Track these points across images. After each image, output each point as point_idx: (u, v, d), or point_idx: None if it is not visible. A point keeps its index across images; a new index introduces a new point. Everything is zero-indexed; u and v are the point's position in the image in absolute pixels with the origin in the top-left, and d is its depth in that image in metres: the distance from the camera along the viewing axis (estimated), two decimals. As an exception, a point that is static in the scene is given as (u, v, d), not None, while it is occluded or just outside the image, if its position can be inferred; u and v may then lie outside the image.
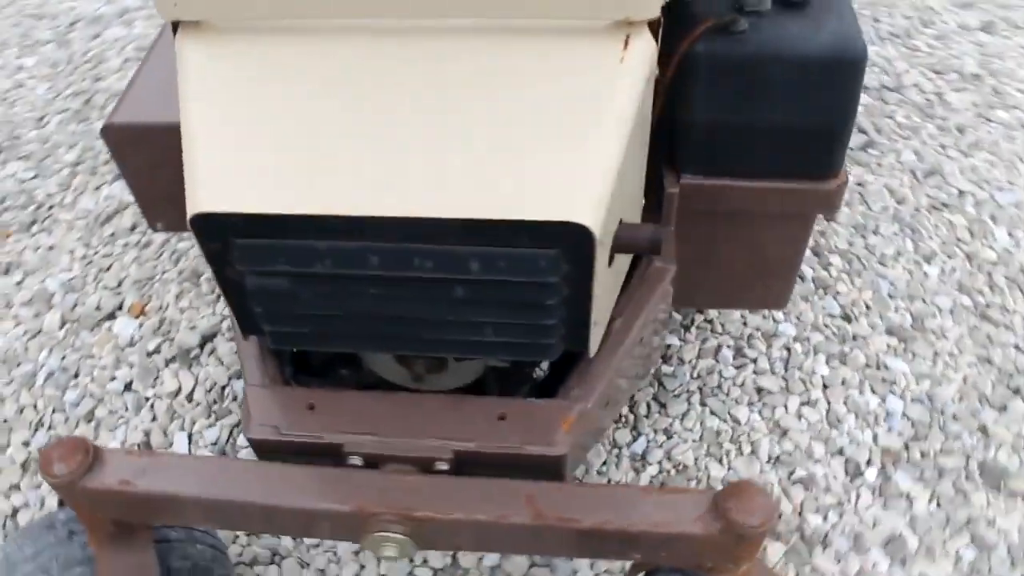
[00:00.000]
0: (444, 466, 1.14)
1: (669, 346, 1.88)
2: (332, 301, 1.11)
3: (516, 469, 1.15)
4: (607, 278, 1.12)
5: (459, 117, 1.02)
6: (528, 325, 1.10)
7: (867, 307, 1.94)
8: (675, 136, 1.32)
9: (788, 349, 1.87)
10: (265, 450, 1.20)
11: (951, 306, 1.94)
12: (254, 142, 1.05)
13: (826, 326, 1.91)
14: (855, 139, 2.30)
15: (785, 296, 1.59)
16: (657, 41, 1.06)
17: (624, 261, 1.26)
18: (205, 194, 1.04)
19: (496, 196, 0.99)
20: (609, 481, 1.69)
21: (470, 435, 1.14)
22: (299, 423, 1.18)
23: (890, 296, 1.96)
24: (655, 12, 1.03)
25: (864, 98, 2.41)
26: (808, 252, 2.05)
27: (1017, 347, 1.86)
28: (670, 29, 1.27)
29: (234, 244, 1.06)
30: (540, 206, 0.98)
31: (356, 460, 1.16)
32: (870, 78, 2.46)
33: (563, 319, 1.10)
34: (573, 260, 1.02)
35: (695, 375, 1.84)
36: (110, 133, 1.47)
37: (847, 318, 1.93)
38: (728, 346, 1.88)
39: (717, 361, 1.86)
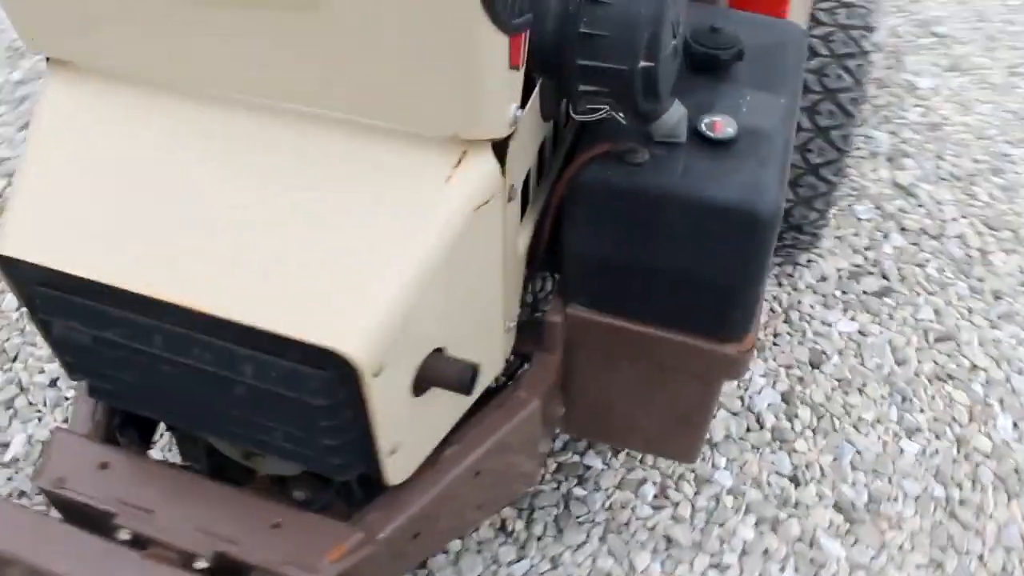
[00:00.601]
0: (203, 564, 1.05)
1: (589, 467, 1.74)
2: (129, 369, 1.06)
3: (282, 586, 1.06)
4: (413, 407, 1.02)
5: (271, 213, 0.96)
6: (311, 441, 1.02)
7: (822, 473, 1.74)
8: (563, 263, 1.20)
9: (717, 500, 1.69)
10: (51, 501, 1.15)
11: (918, 493, 1.71)
12: (76, 196, 1.02)
13: (768, 484, 1.72)
14: (871, 283, 2.09)
15: (691, 452, 1.43)
16: (503, 163, 0.96)
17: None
18: (11, 238, 1.01)
19: (273, 307, 0.91)
20: (476, 600, 1.56)
21: (237, 538, 1.06)
22: (83, 481, 1.12)
23: (852, 467, 1.75)
24: (496, 132, 0.93)
25: (897, 239, 2.19)
26: (776, 397, 1.86)
27: (981, 559, 1.61)
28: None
29: (36, 291, 1.03)
30: (310, 327, 0.89)
31: (125, 535, 1.09)
32: (911, 220, 2.24)
33: (352, 442, 1.01)
34: (348, 386, 0.92)
35: (607, 505, 1.68)
36: None
37: (795, 481, 1.73)
38: (653, 482, 1.72)
39: (636, 496, 1.70)
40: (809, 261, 2.14)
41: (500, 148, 0.95)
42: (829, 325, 2.00)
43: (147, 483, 1.12)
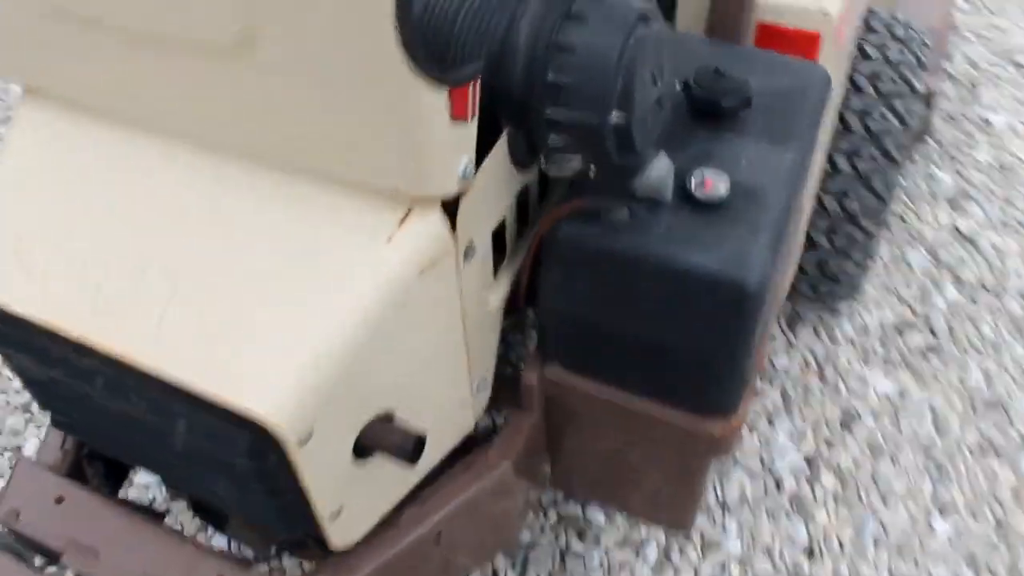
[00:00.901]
0: (140, 615, 1.02)
1: (590, 521, 1.65)
2: (78, 407, 1.04)
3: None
4: (356, 470, 0.96)
5: (211, 262, 0.92)
6: (249, 499, 0.97)
7: (840, 547, 1.61)
8: (539, 321, 1.12)
9: (723, 568, 1.58)
10: (7, 531, 1.14)
11: (949, 580, 1.57)
12: (26, 229, 1.00)
13: (781, 555, 1.60)
14: (916, 339, 1.93)
15: (683, 522, 1.33)
16: (453, 223, 0.90)
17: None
18: None
19: (198, 363, 0.87)
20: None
21: (176, 591, 1.02)
22: (37, 515, 1.11)
23: (875, 542, 1.61)
24: (444, 189, 0.86)
25: (951, 292, 2.03)
26: (799, 459, 1.74)
27: (1013, 662, 1.46)
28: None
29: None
30: (233, 388, 0.85)
31: (70, 575, 1.08)
32: (968, 271, 2.07)
33: (291, 503, 0.96)
34: (279, 450, 0.87)
35: (604, 563, 1.59)
36: None
37: (810, 554, 1.60)
38: (657, 543, 1.62)
39: (637, 557, 1.60)
40: (851, 311, 1.99)
41: (451, 205, 0.89)
42: (866, 383, 1.86)
43: (98, 522, 1.10)
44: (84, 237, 0.96)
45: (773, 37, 1.35)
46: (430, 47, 0.92)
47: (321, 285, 0.87)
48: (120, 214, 0.96)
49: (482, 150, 0.93)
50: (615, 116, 0.90)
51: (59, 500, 1.12)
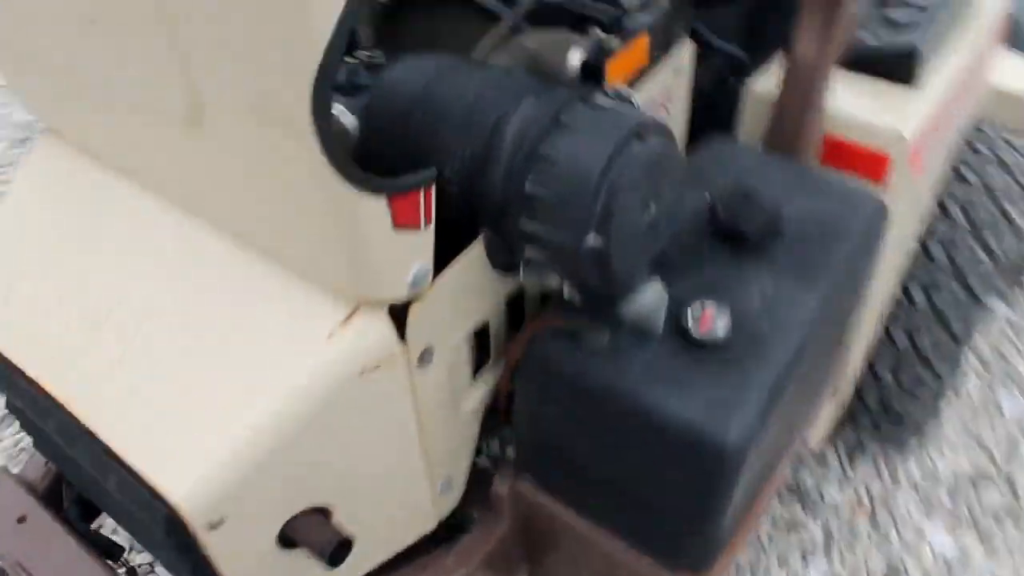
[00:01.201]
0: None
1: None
2: (46, 439, 1.05)
3: None
4: (280, 558, 0.92)
5: (167, 327, 0.91)
6: (175, 564, 0.95)
7: None
8: (514, 432, 1.05)
9: None
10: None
11: None
12: (12, 265, 1.03)
13: None
14: (992, 496, 1.72)
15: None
16: (401, 329, 0.84)
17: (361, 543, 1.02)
18: None
19: (126, 428, 0.87)
20: None
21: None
22: (-4, 531, 1.13)
23: None
24: (391, 294, 0.82)
25: (1042, 443, 1.80)
26: (826, 608, 1.57)
27: None
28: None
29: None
30: (151, 461, 0.84)
31: (10, 596, 1.09)
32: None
33: (212, 576, 0.93)
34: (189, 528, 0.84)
35: None
36: None
37: None
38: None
39: None
40: (921, 450, 1.80)
41: (400, 311, 0.83)
42: (922, 536, 1.67)
43: (50, 550, 1.11)
44: (60, 278, 0.98)
45: (838, 153, 1.23)
46: (415, 142, 0.88)
47: (260, 372, 0.84)
48: (99, 261, 0.97)
49: (459, 248, 0.88)
50: (592, 239, 0.82)
51: (21, 519, 1.14)
